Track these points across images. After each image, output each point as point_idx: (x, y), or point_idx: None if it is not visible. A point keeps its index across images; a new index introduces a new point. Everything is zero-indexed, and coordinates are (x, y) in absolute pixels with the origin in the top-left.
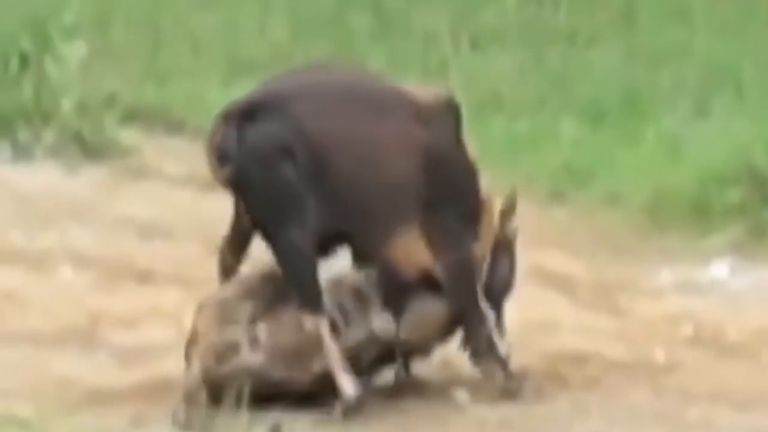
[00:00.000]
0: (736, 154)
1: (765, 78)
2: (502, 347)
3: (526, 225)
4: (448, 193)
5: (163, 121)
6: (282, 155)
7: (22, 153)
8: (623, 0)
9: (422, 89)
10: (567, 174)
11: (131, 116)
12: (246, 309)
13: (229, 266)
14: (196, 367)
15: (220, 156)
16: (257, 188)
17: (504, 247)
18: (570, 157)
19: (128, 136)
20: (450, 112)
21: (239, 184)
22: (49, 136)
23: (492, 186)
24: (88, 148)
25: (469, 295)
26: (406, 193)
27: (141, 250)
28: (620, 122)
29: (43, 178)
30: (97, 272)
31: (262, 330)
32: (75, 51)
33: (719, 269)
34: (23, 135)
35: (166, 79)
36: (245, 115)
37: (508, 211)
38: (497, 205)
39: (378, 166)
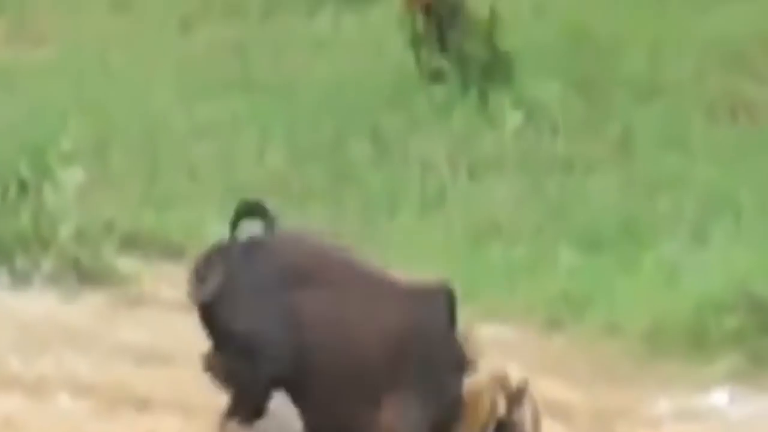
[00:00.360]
0: (734, 282)
1: (763, 206)
2: None
3: (524, 353)
4: (417, 381)
5: (161, 247)
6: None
7: (20, 280)
8: (620, 128)
9: (413, 278)
10: (565, 302)
11: (129, 243)
12: None
13: None
14: None
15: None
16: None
17: None
18: (568, 285)
19: (126, 263)
20: (442, 300)
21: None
22: (47, 262)
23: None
24: (85, 274)
25: None
26: (375, 376)
27: (139, 376)
28: (618, 250)
29: (41, 304)
30: (96, 399)
31: None
32: (73, 177)
33: (718, 397)
34: (21, 262)
35: (164, 206)
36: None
37: (516, 398)
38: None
39: (349, 348)
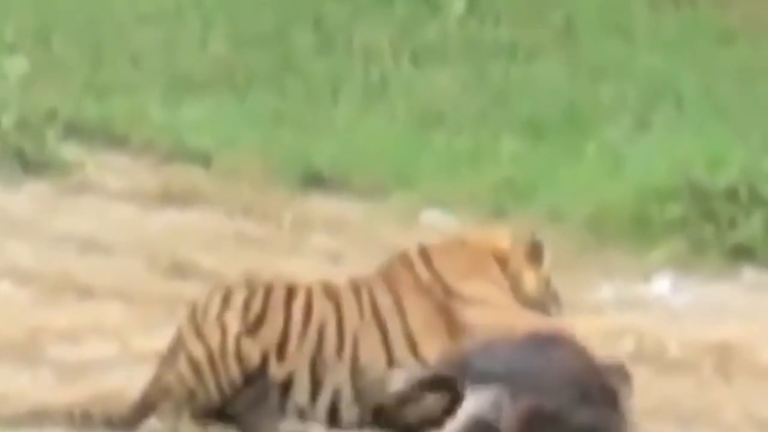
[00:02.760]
0: (676, 169)
1: (705, 93)
2: None
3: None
4: None
5: (104, 136)
6: None
7: None
8: (563, 15)
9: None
10: (508, 190)
11: (72, 131)
12: None
13: None
14: None
15: None
16: None
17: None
18: (511, 173)
19: (69, 151)
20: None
21: None
22: None
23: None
24: (28, 163)
25: None
26: None
27: (82, 265)
28: (561, 138)
29: None
30: (38, 288)
31: None
32: (15, 67)
33: (660, 284)
34: None
35: (107, 93)
36: None
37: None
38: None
39: None
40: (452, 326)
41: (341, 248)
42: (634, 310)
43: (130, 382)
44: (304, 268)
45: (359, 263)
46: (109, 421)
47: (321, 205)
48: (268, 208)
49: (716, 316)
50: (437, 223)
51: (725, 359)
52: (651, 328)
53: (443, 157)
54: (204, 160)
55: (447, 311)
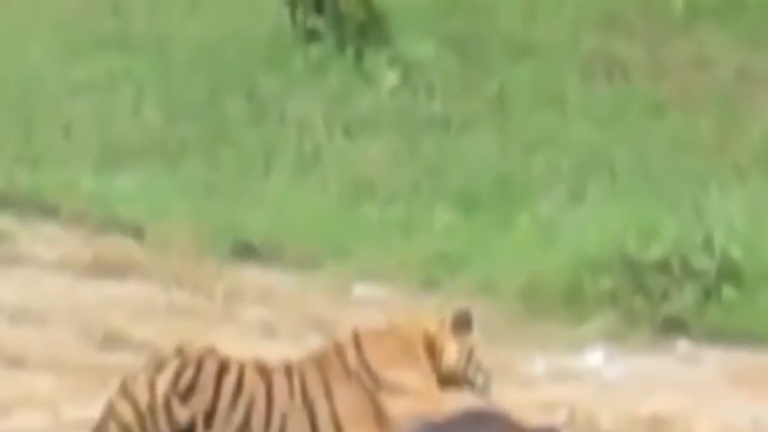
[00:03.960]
0: (609, 242)
1: (638, 165)
2: None
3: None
4: None
5: (36, 206)
6: None
7: None
8: (496, 87)
9: None
10: (440, 261)
11: (4, 201)
12: None
13: None
14: None
15: None
16: None
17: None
18: (443, 244)
19: (1, 222)
20: None
21: None
22: None
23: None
24: None
25: None
26: None
27: (13, 335)
28: (494, 209)
29: None
30: None
31: None
32: None
33: (593, 357)
34: None
35: (39, 164)
36: None
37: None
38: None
39: None
40: (379, 416)
41: (273, 319)
42: (566, 382)
43: None
44: (237, 339)
45: (291, 335)
46: None
47: (253, 276)
48: (200, 279)
49: (649, 388)
50: (369, 296)
51: (658, 431)
52: (584, 400)
53: (376, 228)
54: (136, 231)
55: (375, 401)
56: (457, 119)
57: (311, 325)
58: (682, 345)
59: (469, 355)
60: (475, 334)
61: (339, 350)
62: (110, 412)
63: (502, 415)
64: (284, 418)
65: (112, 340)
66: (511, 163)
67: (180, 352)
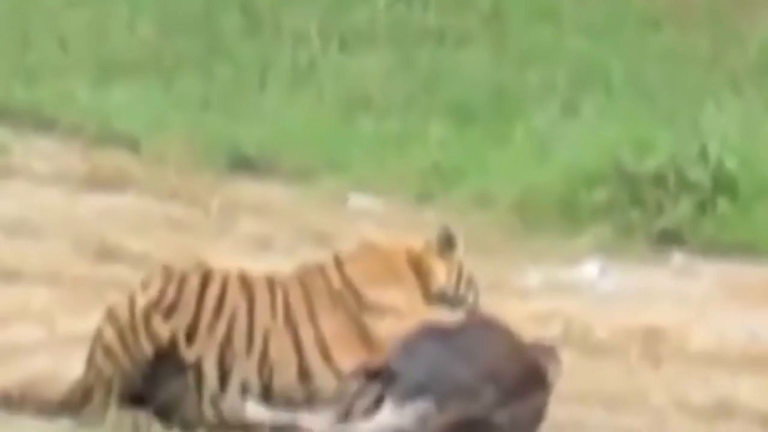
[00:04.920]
0: (604, 154)
1: (633, 79)
2: None
3: (394, 225)
4: None
5: (32, 120)
6: None
7: None
8: (491, 0)
9: None
10: (435, 174)
11: (0, 115)
12: None
13: None
14: None
15: None
16: None
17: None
18: (438, 158)
19: None
20: None
21: None
22: None
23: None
24: None
25: None
26: None
27: (9, 249)
28: (489, 122)
29: None
30: None
31: None
32: None
33: (587, 269)
34: None
35: (34, 77)
36: None
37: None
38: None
39: None
40: (365, 338)
41: (269, 232)
42: (561, 295)
43: (58, 366)
44: (232, 252)
45: (287, 247)
46: (43, 407)
47: (249, 189)
48: (196, 192)
49: (644, 301)
50: (364, 208)
51: (653, 344)
52: (578, 313)
53: (371, 141)
54: (132, 144)
55: (359, 322)
56: (453, 32)
57: (306, 237)
58: (678, 258)
59: (459, 273)
60: (460, 251)
61: (321, 270)
62: (96, 337)
63: (496, 327)
64: (266, 335)
65: (107, 253)
66: (506, 76)
67: (165, 269)
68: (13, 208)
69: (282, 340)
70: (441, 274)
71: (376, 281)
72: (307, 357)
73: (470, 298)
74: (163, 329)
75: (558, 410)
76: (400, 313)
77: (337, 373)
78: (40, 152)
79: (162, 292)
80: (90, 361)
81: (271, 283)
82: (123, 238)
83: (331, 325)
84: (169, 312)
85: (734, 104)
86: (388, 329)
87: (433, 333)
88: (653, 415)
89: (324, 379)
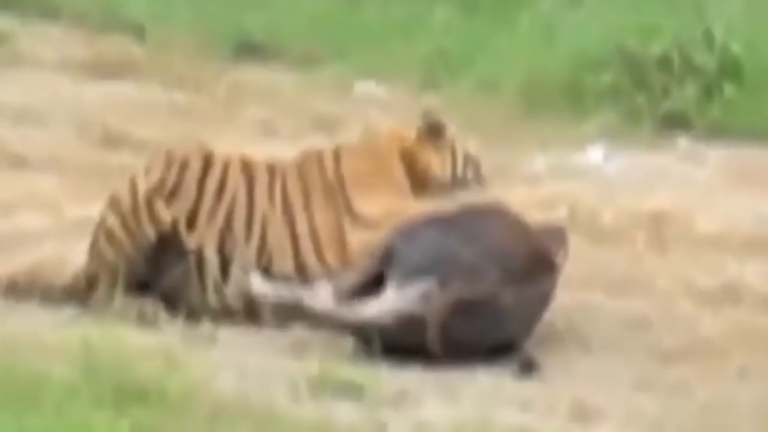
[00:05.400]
0: (608, 39)
1: None
2: None
3: (399, 111)
4: None
5: (37, 7)
6: None
7: None
8: None
9: None
10: (440, 60)
11: (5, 3)
12: None
13: None
14: None
15: None
16: None
17: None
18: (444, 43)
19: (2, 22)
20: None
21: None
22: None
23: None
24: None
25: None
26: None
27: (15, 135)
28: (494, 8)
29: None
30: None
31: None
32: None
33: (594, 154)
34: None
35: None
36: None
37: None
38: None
39: None
40: (342, 244)
41: (274, 118)
42: (567, 180)
43: (65, 252)
44: (238, 138)
45: (292, 133)
46: (49, 294)
47: (254, 75)
48: (201, 79)
49: (650, 185)
50: (369, 94)
51: (659, 228)
52: (584, 197)
53: (376, 27)
54: (137, 31)
55: (341, 226)
56: None
57: (312, 123)
58: (683, 142)
59: (453, 158)
60: (450, 134)
61: (320, 160)
62: (99, 224)
63: (500, 208)
64: (264, 221)
65: (113, 140)
66: None
67: (167, 153)
68: (18, 96)
69: (280, 229)
70: (435, 166)
71: (365, 182)
72: (303, 251)
73: (470, 176)
74: (165, 214)
75: (564, 295)
76: (375, 226)
77: (329, 272)
78: (45, 39)
79: (163, 177)
80: (93, 247)
81: (271, 169)
82: (128, 124)
83: (325, 221)
84: (171, 197)
85: None
86: (359, 242)
87: (434, 220)
88: (659, 300)
89: (315, 270)
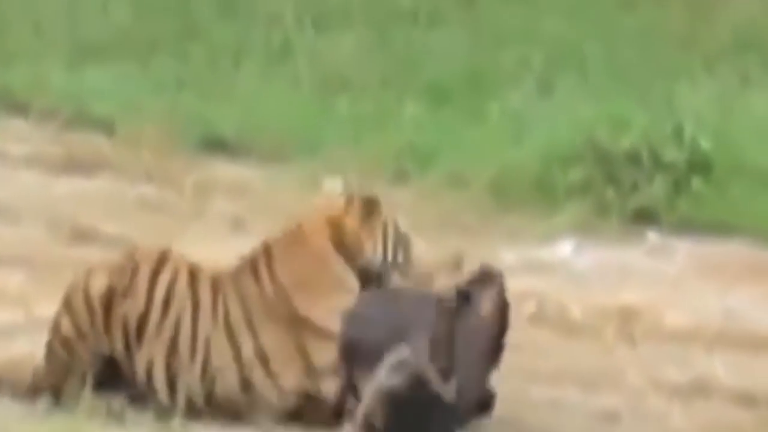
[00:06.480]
0: (579, 133)
1: (608, 58)
2: None
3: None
4: None
5: (6, 103)
6: None
7: None
8: None
9: None
10: (411, 154)
11: None
12: None
13: None
14: None
15: None
16: None
17: None
18: (414, 137)
19: None
20: None
21: None
22: None
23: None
24: None
25: None
26: None
27: None
28: (464, 102)
29: None
30: None
31: None
32: None
33: (563, 248)
34: None
35: (8, 61)
36: None
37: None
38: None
39: None
40: (304, 355)
41: (243, 213)
42: (537, 274)
43: (35, 349)
44: (206, 233)
45: (261, 229)
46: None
47: (223, 170)
48: (170, 174)
49: (619, 280)
50: (339, 190)
51: (628, 323)
52: (554, 292)
53: (346, 122)
54: (107, 126)
55: (297, 338)
56: (426, 12)
57: (281, 219)
58: (653, 236)
59: (384, 240)
60: (384, 214)
61: (254, 269)
62: (54, 328)
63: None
64: (208, 343)
65: (82, 236)
66: (480, 55)
67: (126, 255)
68: None
69: (223, 349)
70: (369, 250)
71: (305, 285)
72: (248, 369)
73: (400, 259)
74: (118, 317)
75: (533, 389)
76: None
77: (279, 387)
78: (14, 135)
79: (112, 280)
80: (51, 352)
81: (214, 282)
82: (97, 220)
83: (271, 338)
84: (120, 302)
85: (709, 83)
86: (328, 358)
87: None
88: (629, 394)
89: (266, 391)
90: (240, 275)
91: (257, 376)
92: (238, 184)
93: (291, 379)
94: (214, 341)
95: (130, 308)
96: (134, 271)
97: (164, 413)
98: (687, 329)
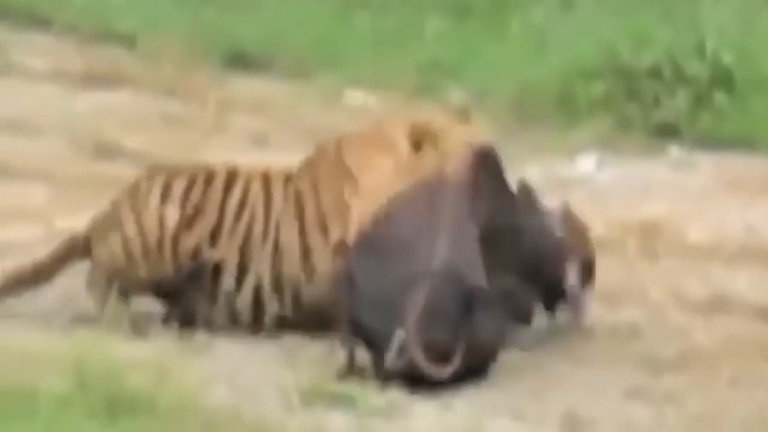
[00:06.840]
0: (601, 48)
1: None
2: None
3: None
4: None
5: (28, 17)
6: None
7: None
8: None
9: None
10: (432, 70)
11: None
12: None
13: None
14: None
15: None
16: None
17: None
18: (435, 53)
19: None
20: None
21: None
22: None
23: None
24: None
25: None
26: None
27: (6, 146)
28: (486, 17)
29: None
30: None
31: None
32: None
33: (585, 163)
34: None
35: None
36: None
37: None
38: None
39: None
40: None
41: (265, 128)
42: (559, 189)
43: None
44: (228, 148)
45: (283, 143)
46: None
47: (245, 84)
48: (193, 89)
49: (641, 194)
50: (360, 104)
51: (651, 237)
52: (576, 206)
53: (368, 37)
54: (129, 41)
55: (345, 200)
56: None
57: (303, 133)
58: (675, 151)
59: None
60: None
61: (323, 152)
62: (115, 221)
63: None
64: (278, 224)
65: (104, 150)
66: None
67: (191, 167)
68: (9, 106)
69: (290, 224)
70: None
71: (368, 159)
72: (309, 234)
73: None
74: (188, 246)
75: None
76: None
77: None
78: (36, 50)
79: (186, 197)
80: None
81: (287, 176)
82: (120, 135)
83: (330, 197)
84: (192, 218)
85: None
86: (359, 211)
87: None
88: (651, 309)
89: (321, 254)
90: (310, 158)
91: (315, 239)
92: (260, 98)
93: (338, 234)
94: (283, 218)
95: (203, 224)
96: (207, 183)
97: (190, 323)
98: (709, 244)
